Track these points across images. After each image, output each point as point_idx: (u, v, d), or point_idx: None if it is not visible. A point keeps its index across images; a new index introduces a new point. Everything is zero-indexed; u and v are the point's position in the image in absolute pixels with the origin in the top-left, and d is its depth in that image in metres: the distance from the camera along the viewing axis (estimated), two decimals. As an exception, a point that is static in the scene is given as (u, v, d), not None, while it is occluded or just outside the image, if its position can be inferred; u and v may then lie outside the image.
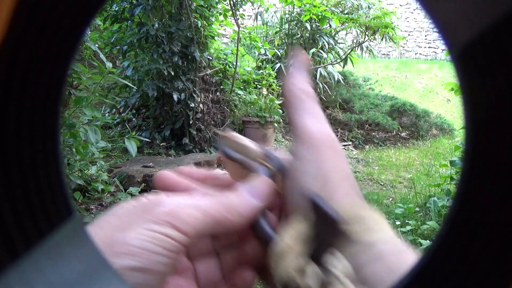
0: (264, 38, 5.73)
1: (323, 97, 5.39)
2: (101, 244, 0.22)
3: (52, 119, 0.16)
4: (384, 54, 9.83)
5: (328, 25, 5.13)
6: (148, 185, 2.71)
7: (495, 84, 0.14)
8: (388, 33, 4.97)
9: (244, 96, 4.44)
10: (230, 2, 4.10)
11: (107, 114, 4.29)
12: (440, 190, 2.81)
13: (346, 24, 5.12)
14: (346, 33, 6.07)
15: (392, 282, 0.18)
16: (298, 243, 0.26)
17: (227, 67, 4.51)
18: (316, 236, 0.26)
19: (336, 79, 5.50)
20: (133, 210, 0.24)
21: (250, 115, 4.25)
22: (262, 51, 5.01)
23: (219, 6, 4.21)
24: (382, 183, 3.61)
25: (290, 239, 0.26)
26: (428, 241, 2.07)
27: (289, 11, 5.51)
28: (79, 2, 0.15)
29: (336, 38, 5.55)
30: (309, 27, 5.15)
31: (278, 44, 5.54)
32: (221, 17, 4.28)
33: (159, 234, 0.23)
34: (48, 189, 0.16)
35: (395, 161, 4.28)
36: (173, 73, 3.66)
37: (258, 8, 5.67)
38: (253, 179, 0.31)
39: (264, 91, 4.58)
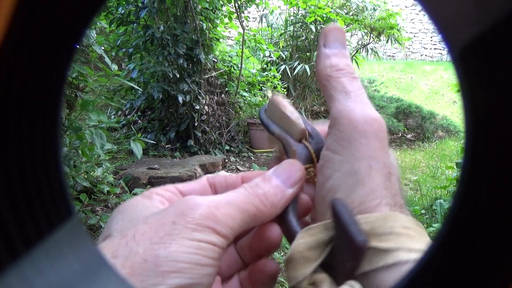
0: (269, 40, 5.73)
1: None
2: (143, 263, 0.19)
3: (52, 119, 0.16)
4: (389, 55, 9.80)
5: (333, 26, 5.11)
6: (153, 187, 2.72)
7: (495, 84, 0.14)
8: (393, 34, 4.96)
9: (249, 98, 4.44)
10: (235, 4, 4.11)
11: (112, 116, 4.31)
12: (446, 192, 2.79)
13: (351, 25, 5.11)
14: (351, 35, 6.05)
15: None
16: (313, 253, 0.24)
17: (232, 69, 4.51)
18: (335, 251, 0.23)
19: (341, 81, 5.47)
20: (166, 216, 0.22)
21: (255, 117, 4.25)
22: (267, 53, 5.01)
23: (224, 8, 4.23)
24: (388, 185, 3.58)
25: (304, 247, 0.24)
26: (434, 243, 2.05)
27: (293, 13, 5.51)
28: (79, 2, 0.16)
29: (341, 40, 5.52)
30: (314, 29, 5.14)
31: (283, 46, 5.55)
32: (226, 20, 4.29)
33: (204, 243, 0.21)
34: (48, 189, 0.16)
35: (401, 163, 4.26)
36: (178, 76, 3.67)
37: (263, 10, 5.68)
38: (286, 164, 0.28)
39: (269, 93, 4.58)
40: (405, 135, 5.36)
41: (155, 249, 0.20)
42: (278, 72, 4.85)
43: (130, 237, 0.21)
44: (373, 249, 0.22)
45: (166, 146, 3.90)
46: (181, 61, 3.64)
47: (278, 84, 4.69)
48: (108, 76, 1.98)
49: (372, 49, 5.56)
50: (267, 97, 4.43)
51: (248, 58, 4.85)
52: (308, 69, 5.12)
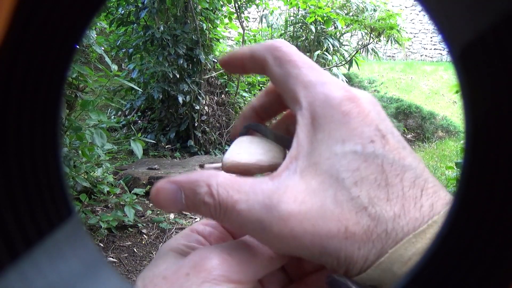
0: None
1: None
2: None
3: (52, 119, 0.16)
4: (389, 56, 9.81)
5: (333, 26, 5.12)
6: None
7: (495, 84, 0.14)
8: (393, 35, 4.96)
9: (249, 99, 4.44)
10: (235, 4, 4.11)
11: (113, 117, 4.31)
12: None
13: (351, 26, 5.12)
14: (351, 35, 6.06)
15: None
16: None
17: (232, 69, 4.51)
18: None
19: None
20: (181, 269, 0.22)
21: (255, 117, 4.25)
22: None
23: (224, 9, 4.23)
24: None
25: None
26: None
27: (293, 13, 5.51)
28: (79, 2, 0.16)
29: (341, 40, 5.54)
30: (314, 30, 5.14)
31: (283, 47, 5.54)
32: (226, 20, 4.30)
33: None
34: (48, 189, 0.16)
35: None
36: (178, 76, 3.67)
37: (263, 11, 5.68)
38: None
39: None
40: (405, 135, 5.36)
41: None
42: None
43: None
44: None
45: (166, 146, 3.90)
46: (181, 62, 3.64)
47: (278, 84, 4.69)
48: (108, 77, 1.98)
49: (372, 50, 5.56)
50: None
51: (248, 58, 4.84)
52: (308, 70, 5.10)
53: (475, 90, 0.15)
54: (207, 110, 4.10)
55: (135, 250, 2.18)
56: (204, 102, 4.02)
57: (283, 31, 5.63)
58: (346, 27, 5.20)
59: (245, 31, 4.37)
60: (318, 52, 5.22)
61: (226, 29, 4.68)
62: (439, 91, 7.04)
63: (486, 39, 0.14)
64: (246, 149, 0.26)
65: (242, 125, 0.30)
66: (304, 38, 5.40)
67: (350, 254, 0.21)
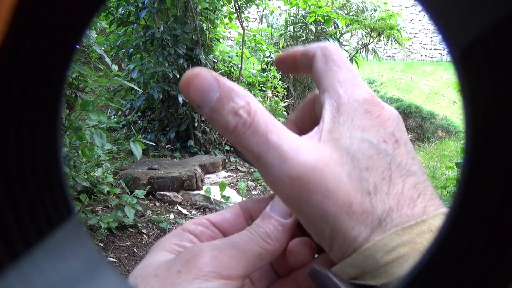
0: (269, 40, 5.73)
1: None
2: None
3: (52, 119, 0.16)
4: (389, 56, 9.81)
5: (333, 26, 5.13)
6: (154, 187, 2.72)
7: (496, 84, 0.14)
8: (393, 34, 4.96)
9: (249, 99, 4.43)
10: (235, 4, 4.11)
11: (112, 117, 4.31)
12: (446, 192, 2.79)
13: (351, 26, 5.12)
14: (351, 35, 6.06)
15: None
16: None
17: (232, 69, 4.51)
18: None
19: (341, 81, 5.47)
20: (173, 266, 0.23)
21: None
22: (267, 54, 5.02)
23: (224, 9, 4.23)
24: (388, 186, 3.58)
25: None
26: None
27: (294, 13, 5.51)
28: (79, 2, 0.16)
29: (341, 40, 5.54)
30: (314, 30, 5.15)
31: (283, 47, 5.55)
32: (226, 20, 4.30)
33: None
34: (48, 189, 0.16)
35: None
36: (178, 76, 3.67)
37: (263, 11, 5.68)
38: (277, 198, 0.28)
39: (269, 94, 4.58)
40: (405, 135, 5.35)
41: None
42: (278, 73, 4.85)
43: None
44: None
45: (166, 146, 3.90)
46: (181, 62, 3.64)
47: (278, 84, 4.70)
48: (108, 77, 1.98)
49: (372, 50, 5.56)
50: (268, 98, 4.44)
51: (248, 58, 4.85)
52: (308, 70, 5.10)
53: (475, 90, 0.15)
54: (207, 110, 4.10)
55: (135, 250, 2.19)
56: (204, 102, 4.02)
57: (283, 31, 5.63)
58: (346, 27, 5.20)
59: (245, 31, 4.37)
60: (318, 52, 5.21)
61: (226, 29, 4.68)
62: (439, 91, 7.04)
63: (486, 39, 0.14)
64: None
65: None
66: (304, 38, 5.40)
67: (344, 230, 0.23)
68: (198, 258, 0.23)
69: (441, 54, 9.55)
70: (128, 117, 4.31)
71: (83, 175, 2.19)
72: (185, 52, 3.67)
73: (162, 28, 3.58)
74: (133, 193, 2.39)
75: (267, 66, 5.12)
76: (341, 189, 0.22)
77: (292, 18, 5.51)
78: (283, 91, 4.75)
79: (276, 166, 0.23)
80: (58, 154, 0.16)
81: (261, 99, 4.38)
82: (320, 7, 4.93)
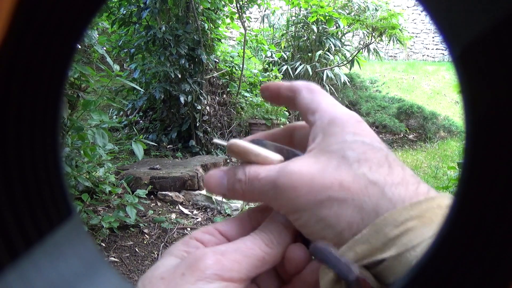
0: (271, 40, 5.73)
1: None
2: None
3: (52, 119, 0.16)
4: (391, 56, 9.79)
5: (335, 26, 5.12)
6: (155, 187, 2.73)
7: (496, 84, 0.14)
8: (395, 34, 4.95)
9: (250, 99, 4.44)
10: (236, 5, 4.11)
11: (114, 117, 4.32)
12: (448, 193, 2.78)
13: (353, 25, 5.11)
14: (353, 35, 6.06)
15: None
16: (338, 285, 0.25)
17: (234, 69, 4.52)
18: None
19: (342, 81, 5.49)
20: (178, 270, 0.24)
21: (256, 117, 4.26)
22: (269, 54, 5.02)
23: (226, 9, 4.23)
24: (390, 186, 3.58)
25: (329, 284, 0.25)
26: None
27: (295, 13, 5.51)
28: (79, 2, 0.16)
29: (342, 40, 5.54)
30: (315, 29, 5.14)
31: (284, 47, 5.55)
32: (228, 20, 4.30)
33: None
34: (48, 189, 0.16)
35: (403, 164, 4.24)
36: (180, 76, 3.67)
37: (265, 11, 5.68)
38: None
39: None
40: (406, 135, 5.36)
41: None
42: (279, 73, 4.85)
43: None
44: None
45: (168, 146, 3.90)
46: (183, 62, 3.64)
47: (280, 84, 4.69)
48: (110, 77, 1.98)
49: (374, 49, 5.55)
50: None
51: (249, 58, 4.85)
52: (309, 70, 5.12)
53: (475, 90, 0.15)
54: (208, 110, 4.11)
55: (136, 250, 2.19)
56: (205, 102, 4.03)
57: (284, 31, 5.63)
58: (348, 27, 5.19)
59: (247, 31, 4.37)
60: (320, 52, 5.21)
61: (227, 29, 4.68)
62: (441, 91, 7.02)
63: (486, 39, 0.14)
64: (248, 142, 0.31)
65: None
66: (305, 38, 5.40)
67: (345, 207, 0.24)
68: (201, 261, 0.24)
69: (443, 54, 9.54)
70: (129, 117, 4.31)
71: (85, 175, 2.19)
72: (187, 52, 3.67)
73: (163, 28, 3.58)
74: (135, 193, 2.39)
75: (269, 66, 5.13)
76: (326, 176, 0.25)
77: (293, 18, 5.51)
78: (284, 91, 4.74)
79: (270, 190, 0.27)
80: (58, 154, 0.16)
81: (262, 99, 4.38)
82: (321, 7, 4.93)
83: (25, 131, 0.15)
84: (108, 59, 1.96)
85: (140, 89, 3.55)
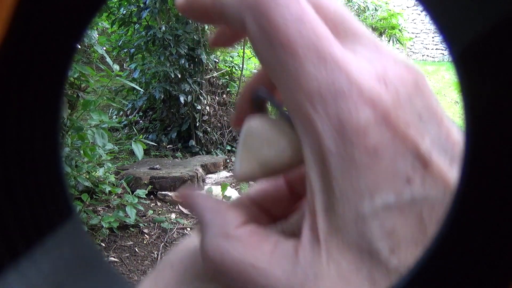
0: (271, 40, 5.73)
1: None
2: None
3: (53, 119, 0.16)
4: (391, 56, 9.78)
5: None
6: (155, 187, 2.73)
7: (496, 85, 0.14)
8: (395, 34, 4.96)
9: (250, 99, 4.44)
10: (236, 4, 4.11)
11: (114, 117, 4.32)
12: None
13: (353, 26, 5.11)
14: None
15: None
16: None
17: (234, 69, 4.52)
18: None
19: (342, 81, 5.47)
20: (183, 261, 0.23)
21: (256, 117, 4.26)
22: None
23: (226, 8, 4.22)
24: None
25: None
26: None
27: (295, 13, 5.50)
28: (79, 2, 0.16)
29: (342, 40, 5.54)
30: (315, 29, 5.14)
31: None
32: (228, 20, 4.29)
33: None
34: (48, 189, 0.16)
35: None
36: (180, 76, 3.67)
37: (265, 11, 5.67)
38: None
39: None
40: (406, 135, 5.35)
41: None
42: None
43: (158, 278, 0.22)
44: None
45: (168, 146, 3.91)
46: (183, 61, 3.64)
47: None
48: (109, 77, 1.98)
49: (373, 49, 5.54)
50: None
51: (249, 58, 4.85)
52: (309, 69, 5.10)
53: (475, 90, 0.15)
54: (208, 110, 4.11)
55: (136, 250, 2.19)
56: (205, 102, 4.03)
57: (284, 31, 5.63)
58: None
59: (247, 31, 4.36)
60: (320, 52, 5.21)
61: (227, 29, 4.67)
62: (441, 91, 7.02)
63: (486, 39, 0.14)
64: (259, 151, 0.22)
65: (243, 108, 0.25)
66: (305, 38, 5.40)
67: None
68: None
69: (443, 54, 9.54)
70: (129, 117, 4.31)
71: (84, 175, 2.19)
72: (187, 52, 3.67)
73: (163, 28, 3.58)
74: (135, 193, 2.39)
75: (269, 66, 5.11)
76: None
77: (293, 18, 5.51)
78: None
79: None
80: (59, 154, 0.16)
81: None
82: (321, 7, 4.93)
83: (25, 131, 0.15)
84: (108, 59, 1.96)
85: (140, 89, 3.55)
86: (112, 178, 2.43)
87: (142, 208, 2.38)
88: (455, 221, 0.14)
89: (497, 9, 0.14)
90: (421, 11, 9.40)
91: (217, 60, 4.29)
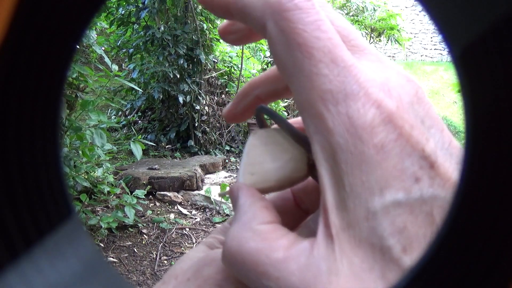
0: (270, 40, 5.72)
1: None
2: None
3: (53, 119, 0.16)
4: (389, 56, 9.81)
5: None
6: (154, 187, 2.72)
7: (496, 85, 0.14)
8: (393, 35, 4.96)
9: (249, 99, 4.44)
10: (235, 5, 4.11)
11: (113, 117, 4.32)
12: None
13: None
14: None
15: None
16: None
17: (232, 69, 4.52)
18: None
19: (341, 81, 5.48)
20: (187, 272, 0.23)
21: (255, 117, 4.26)
22: (267, 54, 5.01)
23: (225, 9, 4.22)
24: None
25: None
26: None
27: (294, 13, 5.50)
28: (79, 2, 0.16)
29: (341, 40, 5.53)
30: (314, 30, 5.14)
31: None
32: (227, 20, 4.29)
33: None
34: (48, 189, 0.16)
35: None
36: (178, 76, 3.67)
37: (264, 11, 5.67)
38: None
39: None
40: (405, 135, 5.35)
41: None
42: (278, 73, 4.84)
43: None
44: None
45: (167, 146, 3.90)
46: (182, 62, 3.64)
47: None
48: (108, 77, 1.98)
49: (372, 50, 5.54)
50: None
51: (248, 58, 4.85)
52: (308, 70, 5.10)
53: (476, 90, 0.15)
54: (207, 110, 4.10)
55: (135, 250, 2.19)
56: (204, 102, 4.02)
57: (283, 31, 5.62)
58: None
59: (246, 31, 4.36)
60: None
61: (226, 29, 4.67)
62: (439, 91, 7.04)
63: (486, 39, 0.14)
64: (261, 165, 0.22)
65: (240, 103, 0.27)
66: (304, 38, 5.39)
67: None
68: (207, 268, 0.22)
69: (442, 54, 9.55)
70: (128, 117, 4.31)
71: (83, 175, 2.19)
72: (186, 52, 3.67)
73: (162, 28, 3.58)
74: (133, 193, 2.39)
75: (267, 66, 5.12)
76: None
77: (292, 18, 5.50)
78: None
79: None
80: (58, 154, 0.16)
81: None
82: (320, 7, 4.93)
83: (25, 131, 0.15)
84: (107, 59, 1.96)
85: (138, 89, 3.54)
86: (110, 178, 2.42)
87: (141, 208, 2.38)
88: (455, 221, 0.14)
89: (497, 9, 0.14)
90: (420, 11, 9.42)
91: (216, 60, 4.29)
